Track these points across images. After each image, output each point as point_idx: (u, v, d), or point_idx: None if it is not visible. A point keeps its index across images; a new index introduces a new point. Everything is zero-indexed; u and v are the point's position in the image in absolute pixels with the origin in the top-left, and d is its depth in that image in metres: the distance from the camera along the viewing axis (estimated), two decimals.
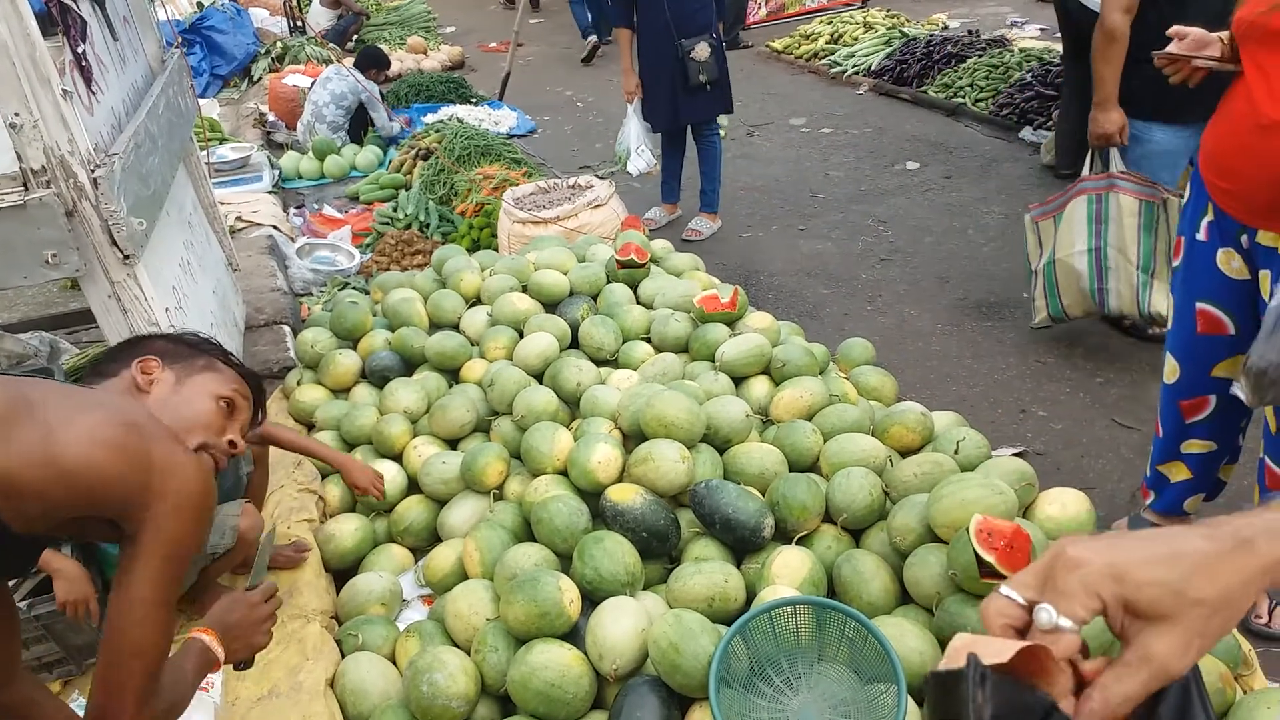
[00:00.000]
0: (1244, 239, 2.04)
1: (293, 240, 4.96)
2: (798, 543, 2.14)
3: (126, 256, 2.03)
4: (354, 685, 2.02)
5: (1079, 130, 5.08)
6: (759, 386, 2.72)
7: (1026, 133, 5.88)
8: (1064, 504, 2.13)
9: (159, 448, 1.20)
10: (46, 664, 2.04)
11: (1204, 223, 2.13)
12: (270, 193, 5.65)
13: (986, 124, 6.29)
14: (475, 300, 3.35)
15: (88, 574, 1.97)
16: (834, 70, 8.02)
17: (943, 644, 1.85)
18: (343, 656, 2.15)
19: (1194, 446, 2.37)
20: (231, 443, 1.55)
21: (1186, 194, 2.21)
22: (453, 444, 2.77)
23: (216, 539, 2.05)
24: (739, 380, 2.76)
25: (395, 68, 9.00)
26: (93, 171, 1.90)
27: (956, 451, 2.33)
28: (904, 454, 2.48)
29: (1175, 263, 2.26)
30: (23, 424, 1.10)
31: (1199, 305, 2.20)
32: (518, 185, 4.78)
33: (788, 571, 2.00)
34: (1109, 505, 2.68)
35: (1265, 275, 2.01)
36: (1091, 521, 2.11)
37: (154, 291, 2.19)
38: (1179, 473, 2.42)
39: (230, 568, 2.26)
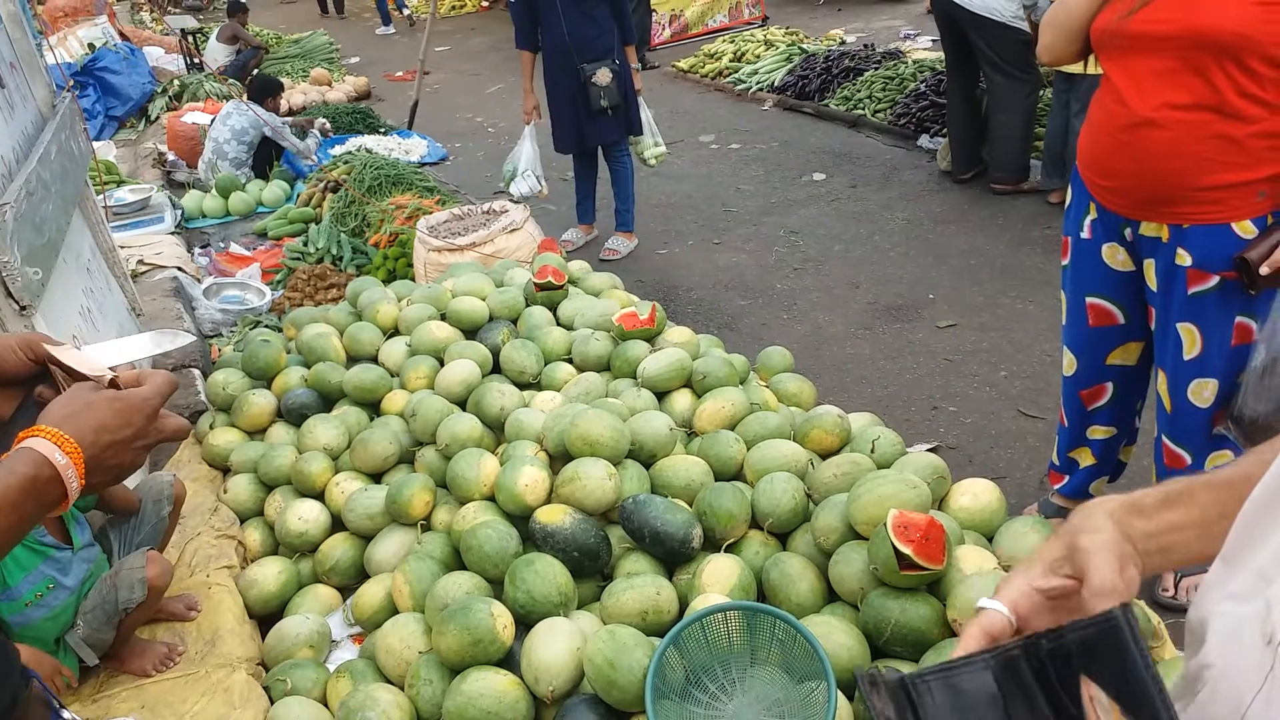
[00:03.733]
0: (1127, 232, 2.17)
1: (199, 281, 4.82)
2: (726, 550, 2.18)
3: (23, 307, 1.97)
4: None
5: (968, 135, 5.34)
6: (682, 400, 2.76)
7: (924, 140, 6.12)
8: (975, 494, 2.21)
9: None
10: None
11: (1087, 221, 2.25)
12: (173, 233, 5.49)
13: (886, 134, 6.52)
14: (393, 331, 3.31)
15: (38, 649, 1.93)
16: (739, 87, 8.21)
17: (869, 637, 1.91)
18: (272, 703, 2.09)
19: (1097, 432, 2.50)
20: None
21: (1069, 196, 2.34)
22: (376, 478, 2.73)
23: (126, 594, 1.98)
24: (662, 395, 2.79)
25: (300, 100, 8.87)
26: None
27: (873, 450, 2.40)
28: (824, 456, 2.53)
29: (1064, 262, 2.39)
30: None
31: (1089, 300, 2.33)
32: (431, 213, 4.75)
33: (717, 580, 2.03)
34: (1019, 493, 2.80)
35: (1150, 264, 2.15)
36: (1003, 509, 2.20)
37: None
38: (1085, 458, 2.54)
39: (147, 617, 2.18)
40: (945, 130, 5.86)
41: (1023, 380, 3.45)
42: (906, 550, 1.85)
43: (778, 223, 5.32)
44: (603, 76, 4.63)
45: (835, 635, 1.85)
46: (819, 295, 4.37)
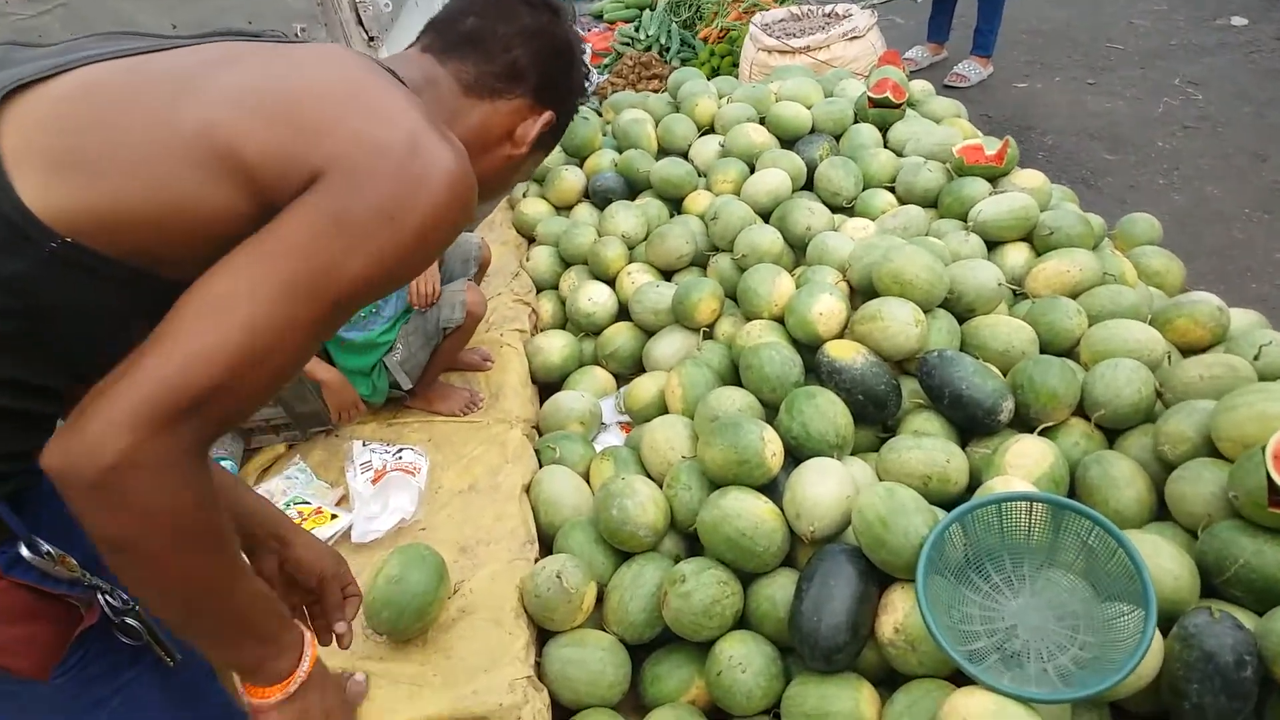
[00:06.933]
0: None
1: None
2: (1040, 433, 1.88)
3: (371, 38, 2.02)
4: (548, 495, 2.04)
5: None
6: (1016, 254, 2.38)
7: None
8: None
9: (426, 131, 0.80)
10: (274, 427, 2.21)
11: None
12: None
13: None
14: (708, 128, 3.15)
15: (347, 380, 2.14)
16: None
17: (1204, 573, 1.58)
18: (540, 466, 2.18)
19: None
20: None
21: None
22: (668, 275, 2.67)
23: (448, 313, 2.15)
24: (994, 245, 2.43)
25: None
26: None
27: (1257, 357, 1.93)
28: (1186, 352, 2.10)
29: None
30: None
31: None
32: (768, 10, 4.40)
33: (1025, 463, 1.76)
34: None
35: None
36: None
37: None
38: None
39: (461, 347, 2.33)
40: None
41: None
42: None
43: (1173, 69, 4.38)
44: None
45: (1162, 559, 1.55)
46: (1210, 162, 3.59)
